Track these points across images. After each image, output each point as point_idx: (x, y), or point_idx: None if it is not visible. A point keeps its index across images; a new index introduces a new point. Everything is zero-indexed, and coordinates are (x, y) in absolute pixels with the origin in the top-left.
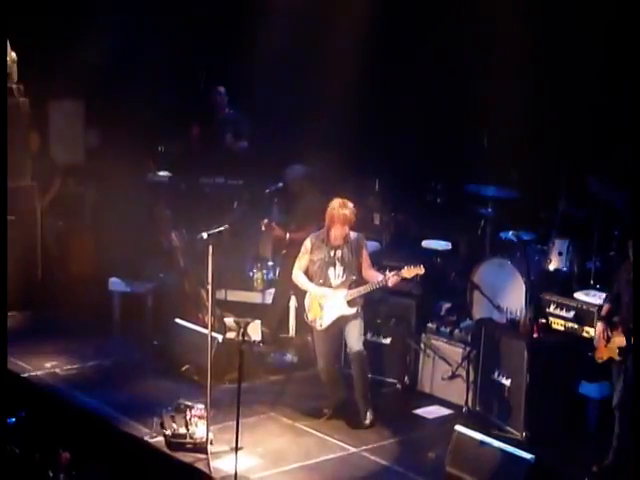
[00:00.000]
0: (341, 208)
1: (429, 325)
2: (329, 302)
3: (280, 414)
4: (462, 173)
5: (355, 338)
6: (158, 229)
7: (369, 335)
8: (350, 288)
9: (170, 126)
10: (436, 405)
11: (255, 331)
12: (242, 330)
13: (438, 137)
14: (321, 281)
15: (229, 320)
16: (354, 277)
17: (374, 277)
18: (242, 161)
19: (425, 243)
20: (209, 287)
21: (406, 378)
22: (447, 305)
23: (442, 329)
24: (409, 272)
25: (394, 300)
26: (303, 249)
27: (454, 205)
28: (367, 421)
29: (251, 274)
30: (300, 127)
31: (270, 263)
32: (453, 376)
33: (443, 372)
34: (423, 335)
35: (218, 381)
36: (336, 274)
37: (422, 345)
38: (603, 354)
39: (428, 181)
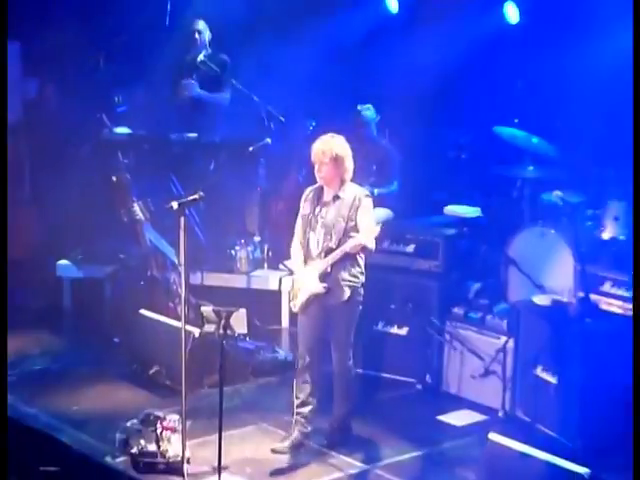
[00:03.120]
0: (321, 143)
1: (455, 310)
2: (304, 277)
3: (273, 424)
4: (493, 121)
5: (337, 339)
6: (117, 199)
7: (380, 324)
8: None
9: (128, 71)
10: (465, 409)
11: (240, 322)
12: (223, 322)
13: (462, 76)
14: (302, 247)
15: (207, 309)
16: (334, 246)
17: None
18: (219, 114)
19: (449, 209)
20: (181, 269)
21: (428, 377)
22: (477, 285)
23: (471, 315)
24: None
25: (411, 280)
26: (300, 204)
27: (483, 162)
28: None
29: (233, 253)
30: (297, 72)
31: (257, 239)
32: (486, 373)
33: (473, 368)
34: (448, 323)
35: (195, 385)
36: (315, 239)
37: (447, 335)
38: None
39: (450, 133)
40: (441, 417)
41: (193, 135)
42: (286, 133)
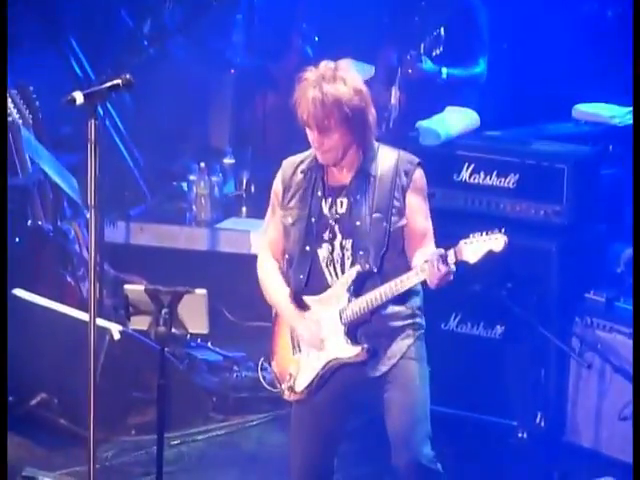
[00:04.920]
0: (315, 87)
1: (591, 296)
2: (310, 331)
3: None
4: None
5: (406, 425)
6: None
7: (454, 321)
8: (358, 294)
9: None
10: (608, 477)
11: (195, 314)
12: (165, 312)
13: None
14: (301, 276)
15: (136, 290)
16: (374, 267)
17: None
18: None
19: (580, 110)
20: (90, 216)
21: (539, 416)
22: (629, 252)
23: (620, 305)
24: (474, 251)
25: (510, 239)
26: (272, 195)
27: None
28: None
29: (186, 186)
30: None
31: (229, 162)
32: None
33: (623, 402)
34: (577, 319)
35: (113, 428)
36: (335, 260)
37: (575, 341)
38: None
39: None
40: None
41: None
42: None
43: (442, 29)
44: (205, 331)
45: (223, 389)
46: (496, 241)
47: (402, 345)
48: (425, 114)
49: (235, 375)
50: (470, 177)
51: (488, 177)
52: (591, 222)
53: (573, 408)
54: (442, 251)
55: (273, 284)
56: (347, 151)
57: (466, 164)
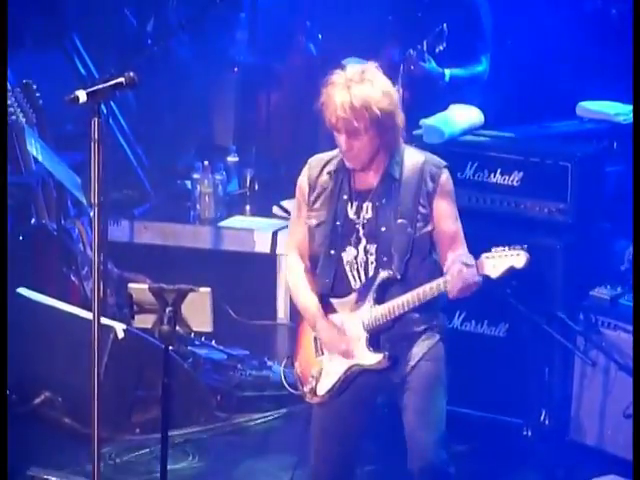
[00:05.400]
0: (343, 90)
1: (595, 294)
2: (333, 338)
3: None
4: None
5: (420, 430)
6: None
7: (458, 319)
8: (380, 300)
9: None
10: (612, 475)
11: (200, 313)
12: (170, 310)
13: None
14: (327, 280)
15: (140, 288)
16: (397, 274)
17: (454, 273)
18: None
19: (584, 108)
20: (94, 214)
21: (544, 414)
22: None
23: (625, 302)
24: (495, 265)
25: (515, 237)
26: (298, 193)
27: None
28: None
29: (189, 184)
30: None
31: (232, 160)
32: None
33: (628, 400)
34: (582, 316)
35: (117, 427)
36: (359, 263)
37: (580, 340)
38: None
39: None
40: None
41: None
42: None
43: (445, 25)
44: (209, 329)
45: (227, 388)
46: (518, 257)
47: (422, 346)
48: (428, 112)
49: (239, 374)
50: (474, 175)
51: (492, 175)
52: (596, 220)
53: (577, 406)
54: (464, 265)
55: (302, 289)
56: (375, 155)
57: (470, 162)
